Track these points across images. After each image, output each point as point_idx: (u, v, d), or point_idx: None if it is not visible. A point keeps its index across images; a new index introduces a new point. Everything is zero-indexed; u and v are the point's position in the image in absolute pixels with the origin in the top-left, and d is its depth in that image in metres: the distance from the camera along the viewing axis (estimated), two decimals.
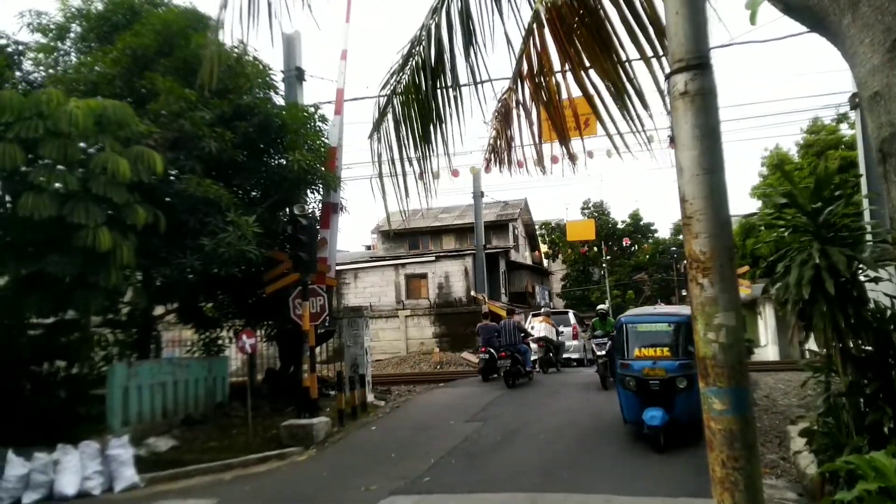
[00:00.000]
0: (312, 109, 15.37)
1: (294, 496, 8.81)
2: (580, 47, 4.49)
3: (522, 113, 5.04)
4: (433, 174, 5.20)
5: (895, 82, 1.90)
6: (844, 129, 30.49)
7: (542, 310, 25.71)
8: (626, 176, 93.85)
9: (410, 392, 17.53)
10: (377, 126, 5.21)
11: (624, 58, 4.42)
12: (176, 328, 18.11)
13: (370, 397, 15.52)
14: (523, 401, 14.37)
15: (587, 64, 4.50)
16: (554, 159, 5.38)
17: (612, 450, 9.77)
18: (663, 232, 57.46)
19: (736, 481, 2.70)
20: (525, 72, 4.83)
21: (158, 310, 14.81)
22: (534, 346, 19.34)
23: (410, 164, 5.11)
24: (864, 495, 3.96)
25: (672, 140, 2.89)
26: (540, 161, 5.23)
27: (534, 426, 11.63)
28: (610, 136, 4.58)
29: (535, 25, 4.58)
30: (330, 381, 16.86)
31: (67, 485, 9.33)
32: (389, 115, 5.17)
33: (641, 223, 57.28)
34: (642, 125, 4.54)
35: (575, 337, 25.84)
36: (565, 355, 23.48)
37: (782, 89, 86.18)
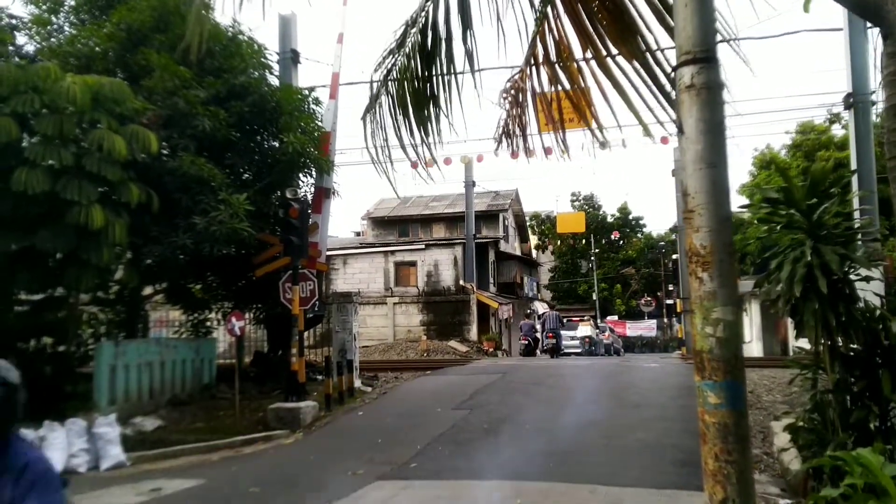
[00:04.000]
0: (307, 92, 15.29)
1: (280, 478, 8.82)
2: (602, 31, 4.38)
3: (537, 97, 4.96)
4: (426, 162, 5.15)
5: None
6: (836, 129, 30.59)
7: (586, 316, 39.38)
8: (617, 169, 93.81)
9: (398, 379, 17.55)
10: (370, 108, 5.14)
11: (649, 40, 4.29)
12: (164, 309, 18.01)
13: (357, 383, 15.53)
14: (511, 389, 14.42)
15: (612, 49, 4.38)
16: (562, 149, 5.29)
17: (598, 440, 9.83)
18: (652, 226, 57.67)
19: (728, 474, 2.74)
20: (541, 56, 4.76)
21: (147, 290, 14.73)
22: (576, 340, 31.72)
23: (404, 149, 5.06)
24: (850, 491, 4.02)
25: (680, 130, 2.89)
26: (565, 146, 5.13)
27: (520, 415, 11.68)
28: (644, 126, 4.43)
29: (548, 8, 4.50)
30: (318, 365, 16.87)
31: (53, 461, 9.28)
32: (384, 98, 5.11)
33: (630, 217, 57.41)
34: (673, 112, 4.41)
35: (608, 338, 38.21)
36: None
37: (776, 88, 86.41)
